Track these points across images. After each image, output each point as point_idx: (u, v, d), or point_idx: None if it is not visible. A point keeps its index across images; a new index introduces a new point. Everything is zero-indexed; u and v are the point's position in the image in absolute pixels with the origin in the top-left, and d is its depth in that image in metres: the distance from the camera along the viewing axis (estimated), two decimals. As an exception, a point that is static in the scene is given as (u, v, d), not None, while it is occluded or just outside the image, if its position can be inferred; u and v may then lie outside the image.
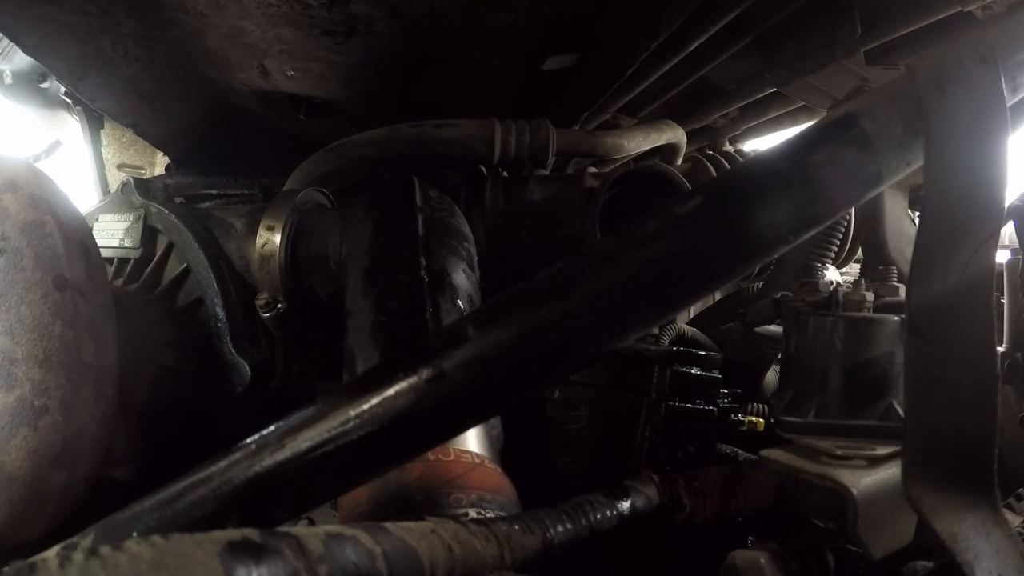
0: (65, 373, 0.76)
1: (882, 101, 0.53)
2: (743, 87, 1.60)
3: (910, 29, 1.21)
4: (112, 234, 1.17)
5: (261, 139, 1.48)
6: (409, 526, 0.49)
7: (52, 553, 0.35)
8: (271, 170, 1.50)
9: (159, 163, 1.74)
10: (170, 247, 1.14)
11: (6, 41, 1.60)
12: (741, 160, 1.69)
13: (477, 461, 0.72)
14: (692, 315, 1.50)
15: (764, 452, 0.73)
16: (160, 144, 1.58)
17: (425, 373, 0.49)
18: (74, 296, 0.79)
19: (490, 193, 1.36)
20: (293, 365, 1.16)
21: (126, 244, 1.16)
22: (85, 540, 0.54)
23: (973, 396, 0.53)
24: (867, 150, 0.51)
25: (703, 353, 0.99)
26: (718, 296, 1.50)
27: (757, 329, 1.15)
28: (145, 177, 1.68)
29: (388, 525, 0.48)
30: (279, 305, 1.09)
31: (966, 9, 1.13)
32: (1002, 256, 0.94)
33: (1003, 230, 0.59)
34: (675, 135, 1.63)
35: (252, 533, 0.38)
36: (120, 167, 1.75)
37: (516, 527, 0.58)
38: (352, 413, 0.49)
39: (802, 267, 1.01)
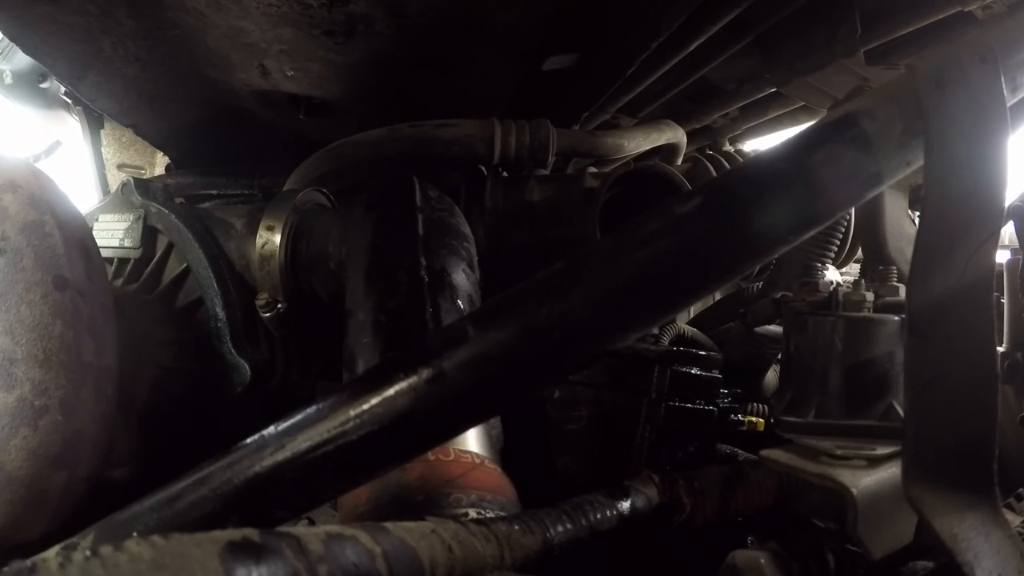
0: (65, 373, 0.76)
1: (882, 101, 0.53)
2: (743, 87, 1.60)
3: (910, 29, 1.21)
4: (112, 234, 1.17)
5: (261, 139, 1.48)
6: (409, 526, 0.49)
7: (52, 553, 0.35)
8: (271, 170, 1.50)
9: (159, 163, 1.74)
10: (170, 247, 1.14)
11: (6, 41, 1.60)
12: (741, 160, 1.69)
13: (477, 461, 0.72)
14: (692, 315, 1.50)
15: (764, 452, 0.73)
16: (160, 144, 1.58)
17: (425, 373, 0.49)
18: (74, 296, 0.79)
19: (490, 193, 1.36)
20: (293, 365, 1.16)
21: (126, 244, 1.16)
22: (85, 540, 0.55)
23: (973, 396, 0.53)
24: (867, 150, 0.51)
25: (703, 353, 0.99)
26: (718, 296, 1.50)
27: (757, 329, 1.15)
28: (145, 177, 1.68)
29: (388, 525, 0.48)
30: (279, 305, 1.09)
31: (966, 9, 1.13)
32: (1002, 256, 0.94)
33: (1003, 230, 0.59)
34: (675, 135, 1.63)
35: (252, 533, 0.38)
36: (120, 167, 1.75)
37: (516, 527, 0.58)
38: (352, 413, 0.49)
39: (802, 267, 1.01)
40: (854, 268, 1.62)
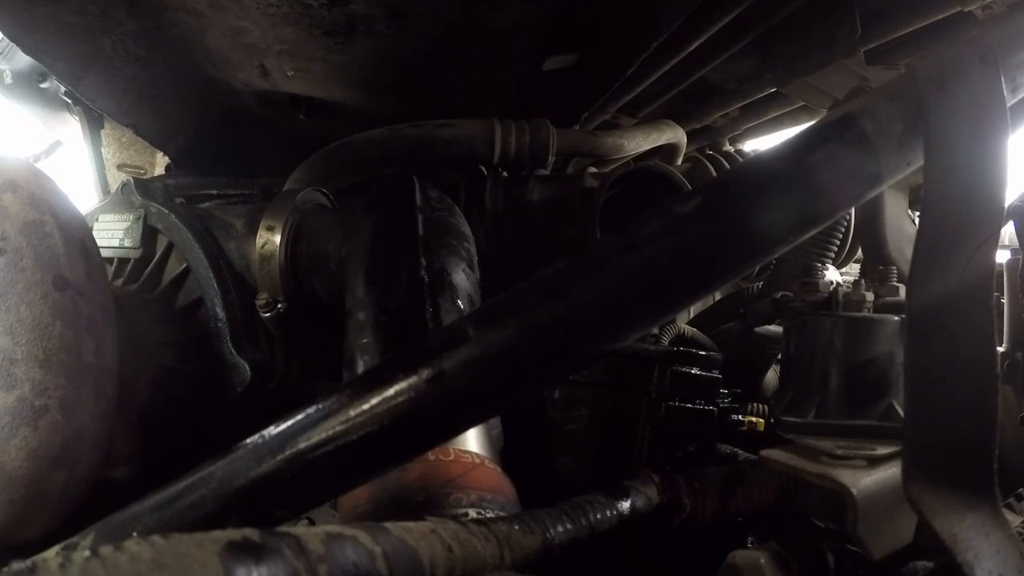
0: (65, 373, 0.76)
1: (882, 101, 0.53)
2: (743, 87, 1.60)
3: (910, 29, 1.21)
4: (112, 234, 1.17)
5: (261, 139, 1.48)
6: (409, 526, 0.49)
7: (52, 553, 0.35)
8: (271, 170, 1.50)
9: (159, 163, 1.73)
10: (170, 247, 1.14)
11: (6, 41, 1.60)
12: (741, 160, 1.69)
13: (477, 461, 0.72)
14: (692, 315, 1.50)
15: (764, 452, 0.73)
16: (160, 144, 1.58)
17: (425, 373, 0.49)
18: (74, 296, 0.79)
19: (490, 193, 1.36)
20: (293, 365, 1.16)
21: (126, 244, 1.16)
22: (85, 540, 0.55)
23: (973, 396, 0.53)
24: (867, 150, 0.51)
25: (703, 353, 0.99)
26: (718, 296, 1.50)
27: (757, 329, 1.15)
28: (145, 177, 1.68)
29: (388, 525, 0.48)
30: (279, 305, 1.08)
31: (966, 9, 1.12)
32: (1002, 256, 0.94)
33: (1003, 230, 0.59)
34: (675, 135, 1.64)
35: (252, 533, 0.38)
36: (120, 167, 1.75)
37: (516, 527, 0.58)
38: (352, 413, 0.49)
39: (802, 267, 1.01)
40: (854, 268, 1.62)
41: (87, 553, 0.33)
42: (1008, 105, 0.55)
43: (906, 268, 0.57)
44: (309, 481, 0.51)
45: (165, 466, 0.59)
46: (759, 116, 1.77)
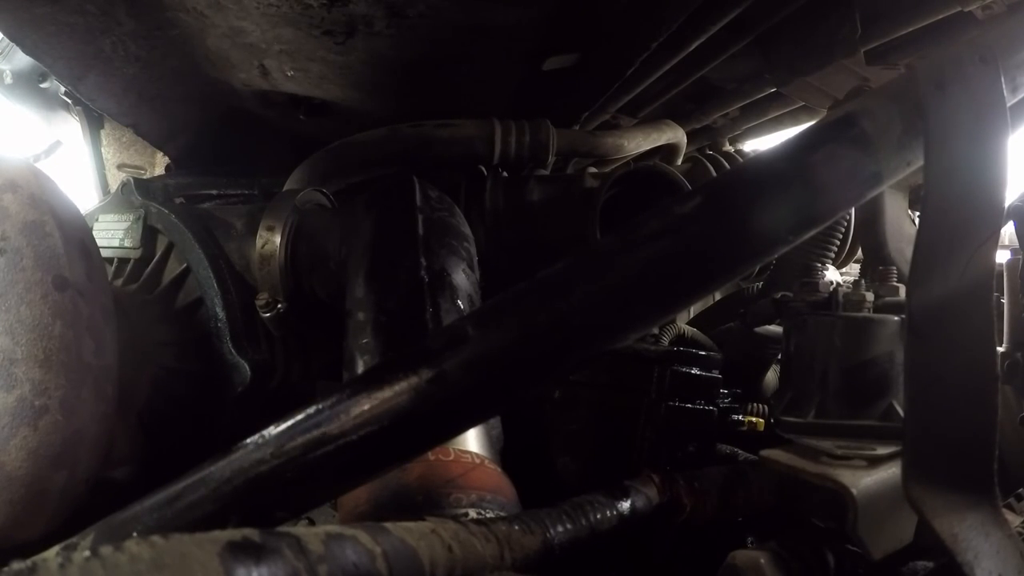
0: (65, 373, 0.76)
1: (882, 101, 0.53)
2: (743, 87, 1.60)
3: (910, 29, 1.21)
4: (112, 234, 1.17)
5: (261, 139, 1.48)
6: (409, 526, 0.49)
7: (52, 553, 0.35)
8: (271, 170, 1.50)
9: (159, 163, 1.73)
10: (170, 247, 1.14)
11: (6, 41, 1.60)
12: (741, 160, 1.69)
13: (477, 461, 0.72)
14: (692, 315, 1.50)
15: (764, 452, 0.73)
16: (160, 144, 1.58)
17: (425, 373, 0.49)
18: (74, 296, 0.79)
19: (490, 193, 1.36)
20: (293, 365, 1.16)
21: (126, 244, 1.16)
22: (85, 540, 0.55)
23: (973, 396, 0.53)
24: (867, 150, 0.51)
25: (703, 353, 0.99)
26: (718, 296, 1.50)
27: (757, 329, 1.15)
28: (145, 177, 1.68)
29: (388, 525, 0.48)
30: (279, 305, 1.08)
31: (966, 9, 1.12)
32: (1002, 256, 0.94)
33: (1003, 230, 0.59)
34: (675, 135, 1.63)
35: (252, 533, 0.38)
36: (120, 167, 1.75)
37: (516, 527, 0.58)
38: (352, 413, 0.49)
39: (802, 267, 1.01)
40: (854, 268, 1.62)
41: (87, 553, 0.33)
42: (1008, 105, 0.55)
43: (906, 268, 0.57)
44: (309, 481, 0.51)
45: (165, 466, 0.59)
46: (759, 116, 1.77)
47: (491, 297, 0.53)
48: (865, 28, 1.23)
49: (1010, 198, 0.87)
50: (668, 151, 1.65)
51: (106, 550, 0.33)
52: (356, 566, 0.42)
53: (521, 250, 1.35)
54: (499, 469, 0.75)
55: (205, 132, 1.46)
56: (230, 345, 1.07)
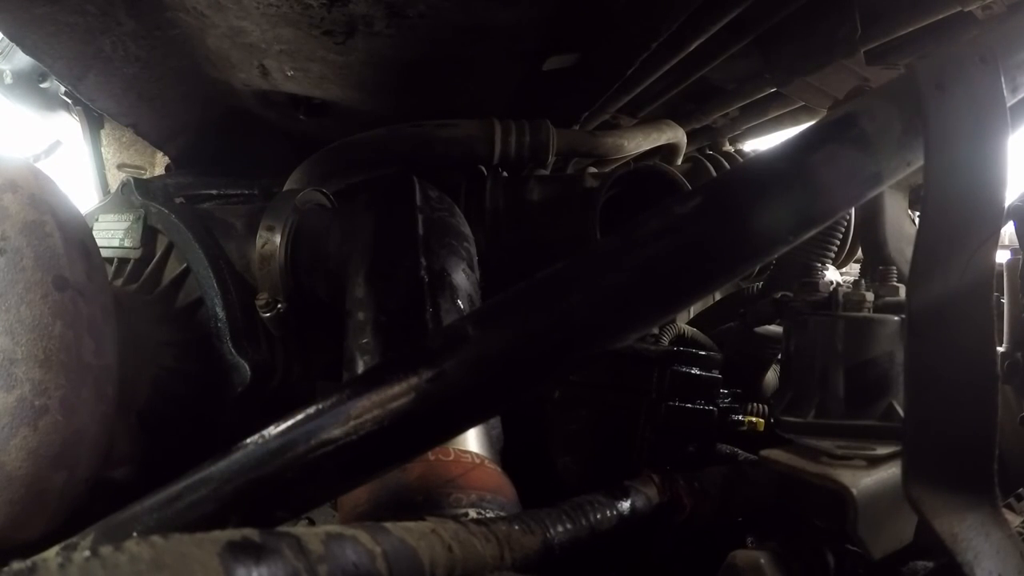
0: (65, 373, 0.76)
1: (882, 101, 0.53)
2: (743, 87, 1.60)
3: (910, 29, 1.21)
4: (112, 234, 1.17)
5: (261, 139, 1.48)
6: (409, 526, 0.49)
7: (52, 553, 0.35)
8: (271, 170, 1.50)
9: (159, 163, 1.73)
10: (170, 247, 1.14)
11: (6, 41, 1.60)
12: (741, 160, 1.69)
13: (477, 461, 0.72)
14: (692, 315, 1.50)
15: (764, 452, 0.73)
16: (160, 144, 1.58)
17: (425, 373, 0.49)
18: (74, 296, 0.79)
19: (490, 193, 1.36)
20: (293, 365, 1.16)
21: (126, 244, 1.16)
22: (85, 540, 0.55)
23: (973, 396, 0.53)
24: (867, 150, 0.51)
25: (703, 353, 0.99)
26: (718, 296, 1.50)
27: (757, 329, 1.15)
28: (145, 177, 1.68)
29: (388, 525, 0.48)
30: (279, 305, 1.08)
31: (966, 9, 1.13)
32: (1002, 256, 0.94)
33: (1003, 230, 0.59)
34: (675, 135, 1.63)
35: (252, 533, 0.38)
36: (120, 167, 1.75)
37: (516, 527, 0.58)
38: (352, 413, 0.49)
39: (802, 267, 1.01)
40: (854, 268, 1.62)
41: (87, 553, 0.33)
42: (1008, 105, 0.55)
43: (906, 268, 0.57)
44: (309, 481, 0.51)
45: (165, 466, 0.59)
46: (759, 116, 1.77)
47: (491, 297, 0.53)
48: (865, 28, 1.23)
49: (1010, 198, 0.87)
50: (668, 151, 1.65)
51: (106, 550, 0.33)
52: (356, 566, 0.42)
53: (521, 250, 1.35)
54: (499, 469, 0.75)
55: (205, 132, 1.46)
56: (230, 345, 1.07)
